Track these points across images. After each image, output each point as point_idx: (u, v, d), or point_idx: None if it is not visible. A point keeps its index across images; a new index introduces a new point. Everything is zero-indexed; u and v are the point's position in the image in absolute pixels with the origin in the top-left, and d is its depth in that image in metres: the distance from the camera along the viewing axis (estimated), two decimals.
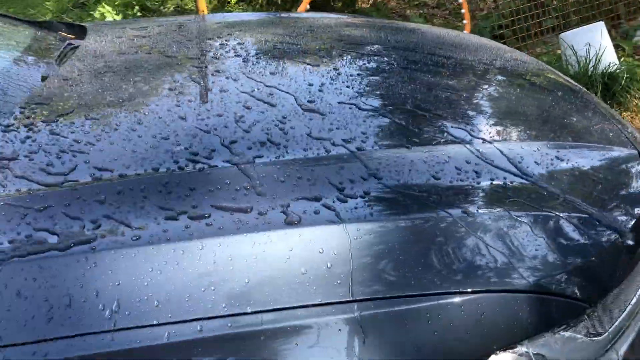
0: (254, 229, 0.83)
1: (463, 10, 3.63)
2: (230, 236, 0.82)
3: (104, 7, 4.85)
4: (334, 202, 0.90)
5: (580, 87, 1.61)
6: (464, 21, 3.66)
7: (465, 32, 3.62)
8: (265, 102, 1.22)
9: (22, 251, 0.79)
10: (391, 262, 0.83)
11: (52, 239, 0.81)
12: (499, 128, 1.20)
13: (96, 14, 4.67)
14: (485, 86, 1.46)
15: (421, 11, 5.11)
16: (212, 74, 1.42)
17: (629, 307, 0.94)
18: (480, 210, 0.91)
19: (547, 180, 1.02)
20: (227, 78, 1.37)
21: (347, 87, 1.32)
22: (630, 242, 0.99)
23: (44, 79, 1.43)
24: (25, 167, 0.97)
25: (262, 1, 3.94)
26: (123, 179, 0.94)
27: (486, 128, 1.17)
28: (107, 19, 4.58)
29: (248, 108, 1.19)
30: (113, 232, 0.82)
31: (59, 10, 5.98)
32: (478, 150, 1.06)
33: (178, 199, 0.88)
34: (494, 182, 0.99)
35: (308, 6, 3.40)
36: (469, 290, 0.81)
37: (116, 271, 0.77)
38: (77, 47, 1.69)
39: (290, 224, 0.85)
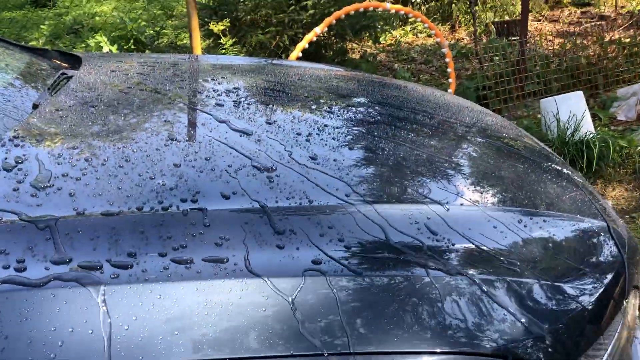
0: (231, 276, 0.85)
1: (449, 70, 3.75)
2: (206, 281, 0.84)
3: (100, 36, 4.92)
4: (311, 253, 0.92)
5: (555, 155, 1.68)
6: (450, 80, 3.78)
7: (449, 91, 3.73)
8: (249, 149, 1.25)
9: None
10: (364, 317, 0.84)
11: (27, 272, 0.82)
12: (477, 191, 1.24)
13: (91, 43, 4.73)
14: (466, 147, 1.51)
15: (408, 66, 5.26)
16: (201, 115, 1.45)
17: None
18: (453, 272, 0.94)
19: (519, 247, 1.05)
20: (216, 120, 1.40)
21: (333, 138, 1.36)
22: (596, 312, 1.02)
23: (35, 107, 1.44)
24: (7, 195, 0.98)
25: (255, 45, 4.03)
26: (104, 216, 0.95)
27: (465, 190, 1.21)
28: (101, 49, 4.64)
29: (234, 151, 1.22)
30: (88, 268, 0.83)
31: (53, 35, 6.03)
32: (456, 213, 1.09)
33: (159, 239, 0.90)
34: (469, 246, 1.02)
35: (300, 54, 3.49)
36: (438, 350, 0.83)
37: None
38: (70, 77, 1.71)
39: (257, 274, 0.86)
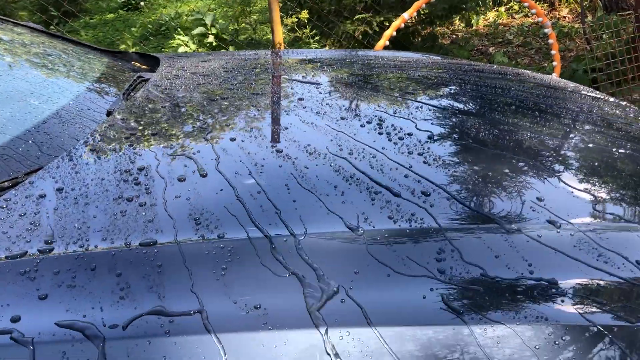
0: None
1: (553, 52, 3.38)
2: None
3: (183, 35, 4.93)
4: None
5: None
6: (554, 63, 3.42)
7: (554, 75, 3.38)
8: (337, 156, 1.08)
9: None
10: None
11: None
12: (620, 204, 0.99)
13: (173, 44, 4.75)
14: (597, 146, 1.25)
15: (505, 49, 4.88)
16: (286, 121, 1.29)
17: None
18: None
19: None
20: (302, 122, 1.25)
21: (422, 143, 1.16)
22: None
23: (109, 114, 1.36)
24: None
25: (341, 36, 3.84)
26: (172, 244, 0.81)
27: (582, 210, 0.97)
28: (182, 49, 4.65)
29: (317, 155, 1.05)
30: None
31: (142, 37, 6.16)
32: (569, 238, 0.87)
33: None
34: (584, 280, 0.79)
35: (387, 42, 3.27)
36: None
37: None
38: (146, 80, 1.62)
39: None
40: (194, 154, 1.09)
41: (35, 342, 0.67)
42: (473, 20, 5.46)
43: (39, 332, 0.68)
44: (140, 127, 1.23)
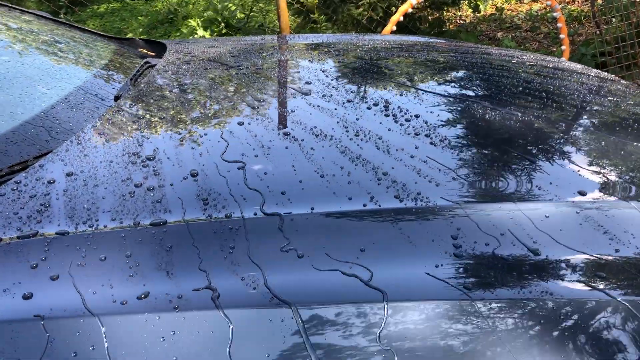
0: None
1: (562, 36, 3.36)
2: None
3: (194, 20, 4.91)
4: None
5: None
6: (563, 47, 3.39)
7: (562, 59, 3.35)
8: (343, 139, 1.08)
9: None
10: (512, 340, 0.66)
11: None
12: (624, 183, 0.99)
13: (183, 29, 4.74)
14: (603, 125, 1.25)
15: (513, 34, 4.84)
16: (291, 103, 1.30)
17: None
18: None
19: None
20: (308, 104, 1.25)
21: (433, 125, 1.16)
22: None
23: (116, 98, 1.37)
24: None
25: (347, 21, 3.82)
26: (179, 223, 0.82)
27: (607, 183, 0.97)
28: (194, 35, 4.64)
29: (325, 138, 1.06)
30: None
31: (149, 26, 6.17)
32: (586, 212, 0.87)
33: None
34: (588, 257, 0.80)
35: (394, 27, 3.25)
36: None
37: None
38: (153, 66, 1.63)
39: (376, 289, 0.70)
40: (200, 136, 1.10)
41: (46, 317, 0.68)
42: (481, 6, 5.42)
43: (51, 308, 0.69)
44: (148, 112, 1.24)
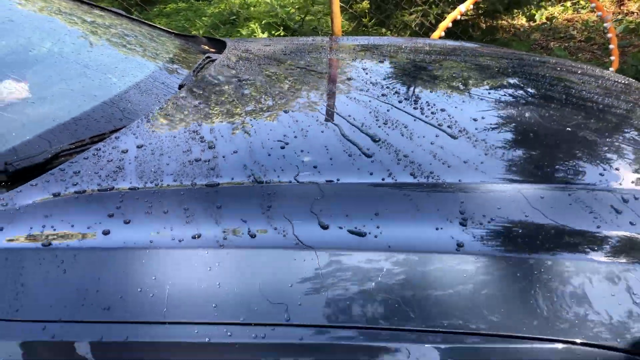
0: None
1: (611, 46, 3.39)
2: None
3: (254, 24, 5.16)
4: (447, 229, 0.90)
5: None
6: (612, 57, 3.42)
7: (611, 69, 3.39)
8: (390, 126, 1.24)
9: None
10: (495, 298, 0.81)
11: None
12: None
13: (243, 31, 4.99)
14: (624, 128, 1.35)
15: (567, 44, 4.85)
16: (338, 93, 1.46)
17: None
18: (603, 259, 0.86)
19: None
20: (355, 99, 1.41)
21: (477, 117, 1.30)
22: None
23: (180, 87, 1.56)
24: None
25: (399, 25, 3.97)
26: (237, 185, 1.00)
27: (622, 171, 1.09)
28: (253, 36, 4.88)
29: (373, 125, 1.22)
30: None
31: (212, 26, 6.46)
32: (609, 194, 0.99)
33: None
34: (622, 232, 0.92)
35: (443, 34, 3.37)
36: (577, 341, 0.77)
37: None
38: (214, 61, 1.83)
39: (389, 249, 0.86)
40: (250, 121, 1.28)
41: (120, 248, 0.87)
42: (537, 15, 5.45)
43: (124, 242, 0.88)
44: (206, 99, 1.43)
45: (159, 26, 2.30)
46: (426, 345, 0.77)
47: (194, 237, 0.89)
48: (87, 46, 1.70)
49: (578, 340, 0.77)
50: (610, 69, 3.38)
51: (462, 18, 4.58)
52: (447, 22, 3.35)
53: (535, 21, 5.39)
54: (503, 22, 4.98)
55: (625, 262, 0.86)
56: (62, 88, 1.45)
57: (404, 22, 3.92)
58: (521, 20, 5.40)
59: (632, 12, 5.36)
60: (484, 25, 4.52)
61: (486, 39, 4.47)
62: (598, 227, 0.93)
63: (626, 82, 1.75)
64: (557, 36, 5.05)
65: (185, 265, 0.85)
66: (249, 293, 0.81)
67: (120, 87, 1.49)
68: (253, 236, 0.89)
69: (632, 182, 1.06)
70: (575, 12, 5.54)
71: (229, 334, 0.78)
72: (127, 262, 0.86)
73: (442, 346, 0.76)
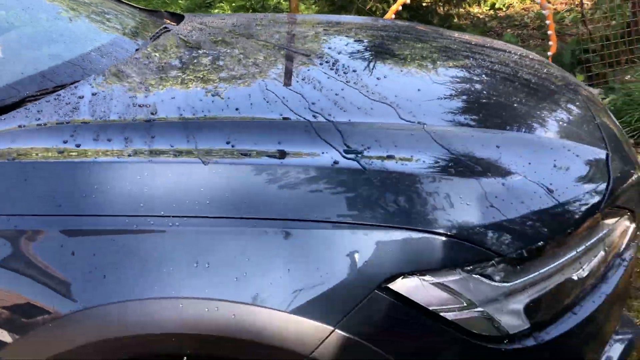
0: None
1: (550, 32, 3.69)
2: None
3: (226, 6, 5.37)
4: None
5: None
6: (550, 42, 3.72)
7: (549, 53, 3.68)
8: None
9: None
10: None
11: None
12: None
13: (214, 11, 5.21)
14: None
15: (520, 32, 5.15)
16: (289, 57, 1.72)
17: (545, 269, 1.10)
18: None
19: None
20: (281, 59, 1.67)
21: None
22: (562, 215, 1.15)
23: (137, 50, 1.80)
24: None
25: (351, 10, 4.22)
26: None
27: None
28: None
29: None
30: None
31: (187, 8, 6.64)
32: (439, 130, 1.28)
33: None
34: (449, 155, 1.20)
35: (393, 16, 3.63)
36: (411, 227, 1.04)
37: None
38: (169, 30, 2.06)
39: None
40: (190, 75, 1.53)
41: (71, 162, 1.12)
42: (497, 3, 5.75)
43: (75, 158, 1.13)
44: (157, 60, 1.67)
45: (126, 2, 2.52)
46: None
47: (129, 155, 1.14)
48: (61, 18, 1.94)
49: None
50: (548, 52, 3.68)
51: (424, 4, 4.86)
52: (396, 6, 3.61)
53: (495, 10, 5.68)
54: (461, 10, 5.26)
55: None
56: (34, 50, 1.70)
57: (361, 7, 4.19)
58: (484, 8, 5.69)
59: (585, 4, 5.66)
60: (442, 11, 4.80)
61: (444, 26, 4.74)
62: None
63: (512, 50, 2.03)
64: (512, 24, 5.35)
65: (120, 174, 1.10)
66: (163, 194, 1.07)
67: (84, 49, 1.73)
68: (179, 153, 1.14)
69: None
70: (532, 1, 5.84)
71: (151, 222, 1.04)
72: (76, 172, 1.11)
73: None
